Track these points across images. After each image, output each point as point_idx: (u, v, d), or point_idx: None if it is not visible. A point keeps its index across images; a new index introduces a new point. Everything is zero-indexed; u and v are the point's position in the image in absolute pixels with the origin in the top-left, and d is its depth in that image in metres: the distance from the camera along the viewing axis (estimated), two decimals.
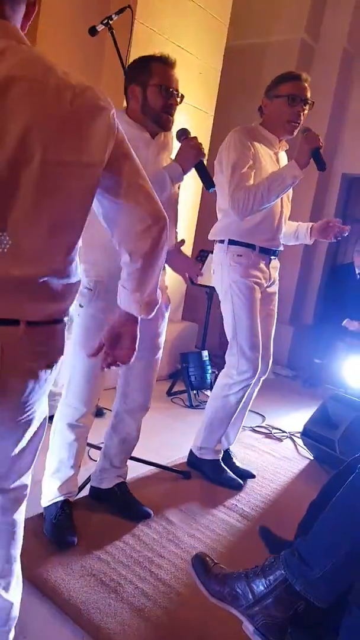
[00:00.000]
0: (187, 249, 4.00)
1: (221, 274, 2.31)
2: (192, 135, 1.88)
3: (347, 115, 4.71)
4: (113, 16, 2.45)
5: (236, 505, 2.24)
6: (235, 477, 2.41)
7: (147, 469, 2.37)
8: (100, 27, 2.42)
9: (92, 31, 2.44)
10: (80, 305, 1.76)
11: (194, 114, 3.79)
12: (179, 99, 1.83)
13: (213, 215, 2.39)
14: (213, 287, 2.48)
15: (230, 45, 4.07)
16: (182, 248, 1.98)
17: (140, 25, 3.18)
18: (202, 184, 1.88)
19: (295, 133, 2.22)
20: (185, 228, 3.97)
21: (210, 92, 3.93)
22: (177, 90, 1.82)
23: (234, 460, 2.55)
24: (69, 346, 1.76)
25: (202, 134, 3.89)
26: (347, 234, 2.35)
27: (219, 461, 2.43)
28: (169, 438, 2.83)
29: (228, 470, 2.42)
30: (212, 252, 2.43)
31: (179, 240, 1.97)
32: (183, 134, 1.88)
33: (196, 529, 2.02)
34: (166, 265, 1.94)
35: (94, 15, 2.76)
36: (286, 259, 4.32)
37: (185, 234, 3.98)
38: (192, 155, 1.80)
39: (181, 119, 3.57)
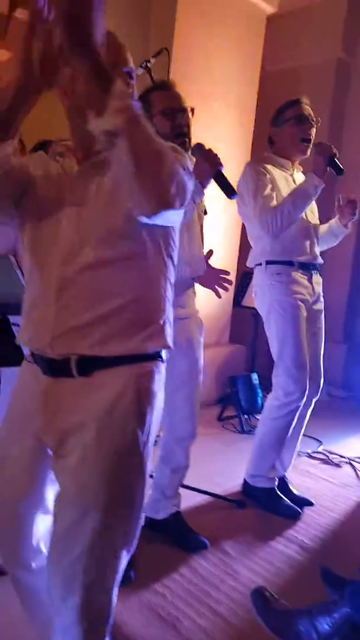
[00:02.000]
0: (232, 273, 4.01)
1: (262, 294, 2.30)
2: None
3: None
4: (151, 59, 2.53)
5: (295, 536, 2.16)
6: (292, 505, 2.33)
7: (201, 498, 2.34)
8: (140, 71, 2.51)
9: None
10: None
11: (231, 142, 3.83)
12: (190, 114, 1.77)
13: None
14: None
15: (266, 71, 4.11)
16: (218, 264, 1.97)
17: (176, 64, 3.27)
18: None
19: (308, 152, 2.28)
20: (228, 251, 3.99)
21: (248, 119, 3.97)
22: (181, 108, 1.77)
23: (290, 487, 2.47)
24: None
25: (241, 160, 3.93)
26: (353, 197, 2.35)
27: (274, 489, 2.37)
28: (221, 465, 2.79)
29: (284, 498, 2.35)
30: None
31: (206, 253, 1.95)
32: (198, 148, 1.82)
33: (254, 561, 1.96)
34: (195, 290, 1.95)
35: (133, 56, 2.86)
36: (334, 274, 4.24)
37: (228, 258, 3.99)
38: (206, 167, 1.73)
39: (219, 148, 3.62)
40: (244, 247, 3.84)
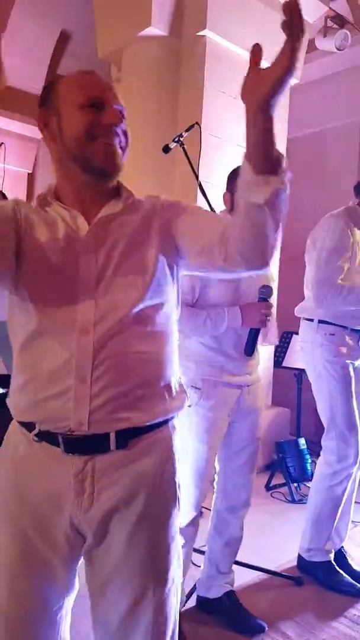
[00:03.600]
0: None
1: (312, 353, 2.24)
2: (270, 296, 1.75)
3: None
4: (183, 134, 2.68)
5: (358, 616, 1.98)
6: (353, 581, 2.16)
7: (254, 575, 2.20)
8: (172, 145, 2.66)
9: (166, 149, 2.67)
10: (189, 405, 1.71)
11: None
12: None
13: (292, 298, 2.37)
14: (301, 369, 2.40)
15: (291, 137, 4.28)
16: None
17: (208, 135, 3.46)
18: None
19: None
20: None
21: None
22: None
23: (349, 560, 2.30)
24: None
25: None
26: None
27: (332, 562, 2.21)
28: (273, 538, 2.64)
29: (344, 574, 2.18)
30: (296, 333, 2.38)
31: None
32: (264, 292, 1.73)
33: None
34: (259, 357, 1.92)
35: (163, 133, 3.06)
36: None
37: None
38: (256, 321, 1.70)
39: None
40: (282, 308, 3.86)
